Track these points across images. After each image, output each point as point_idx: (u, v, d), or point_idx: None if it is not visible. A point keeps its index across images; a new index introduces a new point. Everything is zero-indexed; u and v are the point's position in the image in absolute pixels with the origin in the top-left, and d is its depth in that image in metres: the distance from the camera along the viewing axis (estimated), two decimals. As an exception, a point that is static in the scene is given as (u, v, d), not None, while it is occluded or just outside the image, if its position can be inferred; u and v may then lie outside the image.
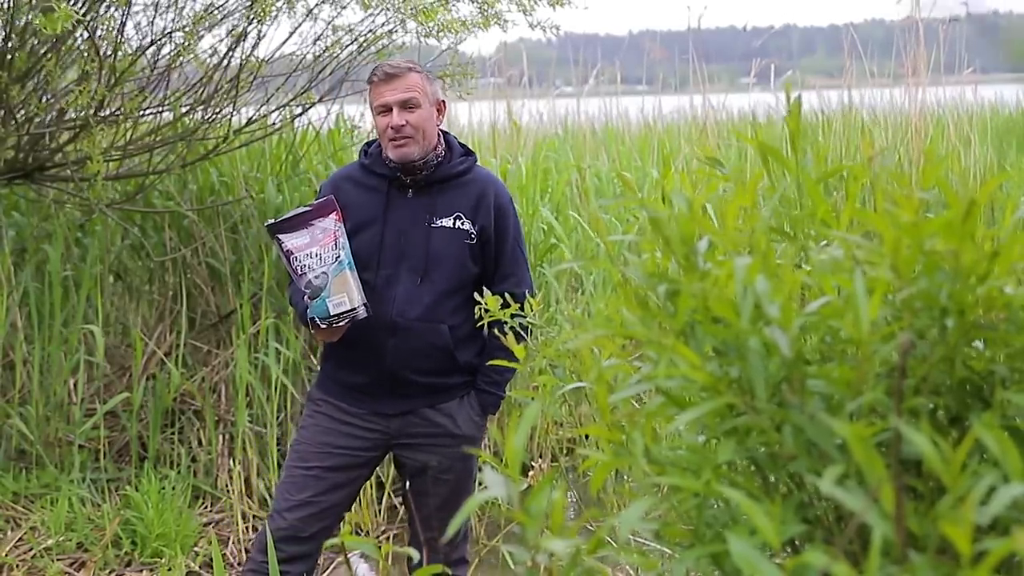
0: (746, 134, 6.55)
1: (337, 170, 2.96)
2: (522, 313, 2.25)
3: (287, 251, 2.64)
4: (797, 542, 1.19)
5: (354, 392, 2.75)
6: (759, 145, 1.31)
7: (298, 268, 2.62)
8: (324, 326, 2.60)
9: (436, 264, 2.68)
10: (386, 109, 2.67)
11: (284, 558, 2.63)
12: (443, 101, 2.79)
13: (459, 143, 2.82)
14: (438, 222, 2.70)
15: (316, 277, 2.59)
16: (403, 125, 2.65)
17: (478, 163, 2.82)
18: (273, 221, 2.69)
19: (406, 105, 2.66)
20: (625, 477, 4.14)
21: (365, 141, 2.93)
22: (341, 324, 2.60)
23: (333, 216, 2.64)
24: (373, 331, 2.67)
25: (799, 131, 1.30)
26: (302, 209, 2.68)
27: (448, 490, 2.77)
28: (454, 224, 2.70)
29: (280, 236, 2.65)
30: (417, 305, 2.67)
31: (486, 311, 2.21)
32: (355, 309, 2.58)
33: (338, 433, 2.75)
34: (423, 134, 2.68)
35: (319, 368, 2.90)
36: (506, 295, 2.57)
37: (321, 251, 2.61)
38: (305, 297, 2.60)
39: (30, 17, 3.36)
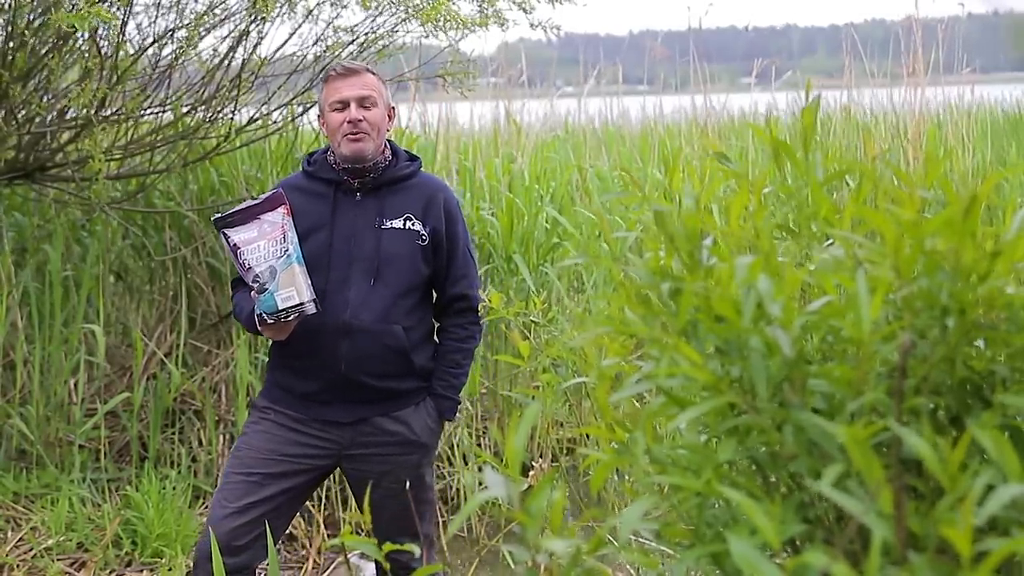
0: (747, 134, 6.55)
1: (281, 180, 2.91)
2: (526, 311, 2.25)
3: (234, 245, 2.58)
4: (797, 542, 1.19)
5: (305, 400, 2.68)
6: (773, 141, 1.31)
7: (245, 263, 2.57)
8: (272, 321, 2.53)
9: (388, 265, 2.65)
10: (343, 105, 2.65)
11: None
12: (393, 108, 2.80)
13: (404, 150, 2.81)
14: (388, 223, 2.67)
15: (263, 271, 2.54)
16: (360, 120, 2.63)
17: (423, 168, 2.81)
18: (220, 215, 2.64)
19: (363, 102, 2.65)
20: (626, 476, 4.14)
21: (308, 151, 2.91)
22: (290, 319, 2.54)
23: (281, 209, 2.61)
24: (326, 335, 2.62)
25: (813, 129, 1.31)
26: (250, 203, 2.63)
27: (401, 499, 2.65)
28: (404, 225, 2.68)
29: (227, 231, 2.60)
30: (371, 307, 2.63)
31: (489, 310, 2.22)
32: (303, 304, 2.52)
33: (284, 440, 2.67)
34: (377, 133, 2.67)
35: (266, 377, 2.81)
36: (464, 299, 2.55)
37: (269, 245, 2.56)
38: (252, 292, 2.55)
39: (46, 18, 3.36)
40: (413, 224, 2.69)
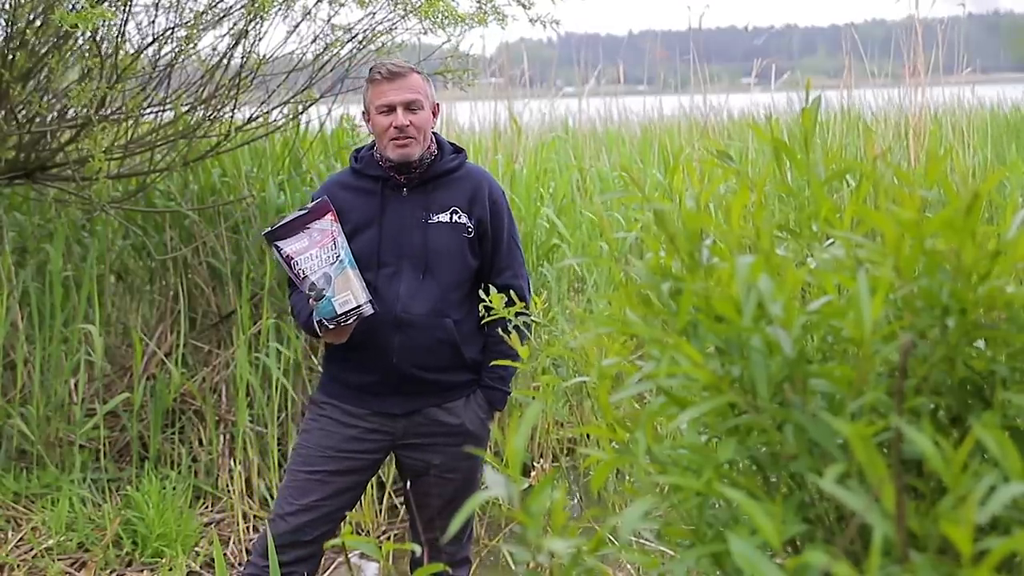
0: (747, 134, 6.55)
1: (329, 177, 2.95)
2: (526, 312, 2.25)
3: (287, 256, 2.63)
4: (798, 542, 1.19)
5: (360, 393, 2.75)
6: (773, 141, 1.31)
7: (299, 272, 2.62)
8: (332, 327, 2.59)
9: (437, 259, 2.70)
10: (389, 109, 2.67)
11: (285, 561, 2.64)
12: (438, 104, 2.82)
13: (448, 141, 2.84)
14: (435, 218, 2.72)
15: (318, 279, 2.59)
16: (407, 125, 2.66)
17: (468, 160, 2.84)
18: (270, 229, 2.69)
19: (410, 106, 2.67)
20: (627, 476, 4.14)
21: (355, 147, 2.93)
22: (349, 322, 2.59)
23: (329, 217, 2.65)
24: (379, 329, 2.67)
25: (813, 130, 1.31)
26: (297, 213, 2.68)
27: (453, 489, 2.77)
28: (451, 219, 2.72)
29: (278, 243, 2.64)
30: (422, 300, 2.68)
31: (489, 309, 2.22)
32: (361, 305, 2.58)
33: (343, 436, 2.75)
34: (424, 135, 2.70)
35: (321, 371, 2.89)
36: (507, 290, 2.59)
37: (320, 252, 2.61)
38: (310, 300, 2.60)
39: (46, 17, 3.35)
40: (460, 217, 2.73)
